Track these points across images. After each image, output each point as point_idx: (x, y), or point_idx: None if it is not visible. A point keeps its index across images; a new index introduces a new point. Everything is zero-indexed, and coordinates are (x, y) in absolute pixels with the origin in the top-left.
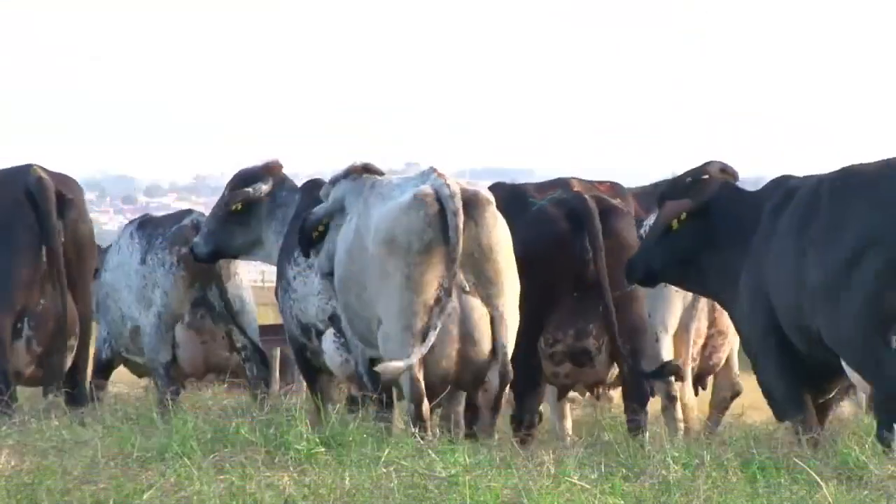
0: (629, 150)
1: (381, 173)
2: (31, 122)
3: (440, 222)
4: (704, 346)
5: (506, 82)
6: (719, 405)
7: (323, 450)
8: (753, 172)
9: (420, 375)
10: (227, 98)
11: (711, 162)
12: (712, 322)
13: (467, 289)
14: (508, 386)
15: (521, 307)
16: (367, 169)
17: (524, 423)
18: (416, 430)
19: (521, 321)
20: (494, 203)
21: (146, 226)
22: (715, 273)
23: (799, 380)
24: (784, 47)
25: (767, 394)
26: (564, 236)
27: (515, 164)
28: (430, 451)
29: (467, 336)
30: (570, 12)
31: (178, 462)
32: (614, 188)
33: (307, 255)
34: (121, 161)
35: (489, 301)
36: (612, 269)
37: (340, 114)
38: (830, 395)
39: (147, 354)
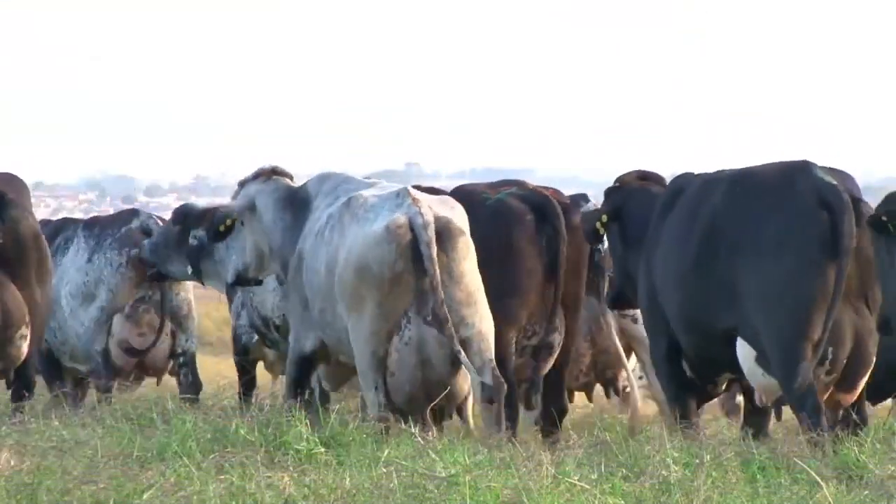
0: (629, 150)
1: (290, 176)
2: (31, 122)
3: (412, 252)
4: (594, 363)
5: (505, 82)
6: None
7: (323, 450)
8: None
9: (384, 400)
10: (227, 98)
11: (630, 171)
12: (591, 342)
13: (428, 318)
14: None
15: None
16: (275, 171)
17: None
18: (416, 430)
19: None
20: (468, 232)
21: (92, 227)
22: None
23: (691, 387)
24: (784, 47)
25: (666, 395)
26: (529, 228)
27: (515, 164)
28: (430, 451)
29: (426, 362)
30: (570, 12)
31: (178, 462)
32: (558, 194)
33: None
34: (121, 161)
35: (464, 322)
36: (570, 263)
37: (340, 114)
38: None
39: (83, 346)
